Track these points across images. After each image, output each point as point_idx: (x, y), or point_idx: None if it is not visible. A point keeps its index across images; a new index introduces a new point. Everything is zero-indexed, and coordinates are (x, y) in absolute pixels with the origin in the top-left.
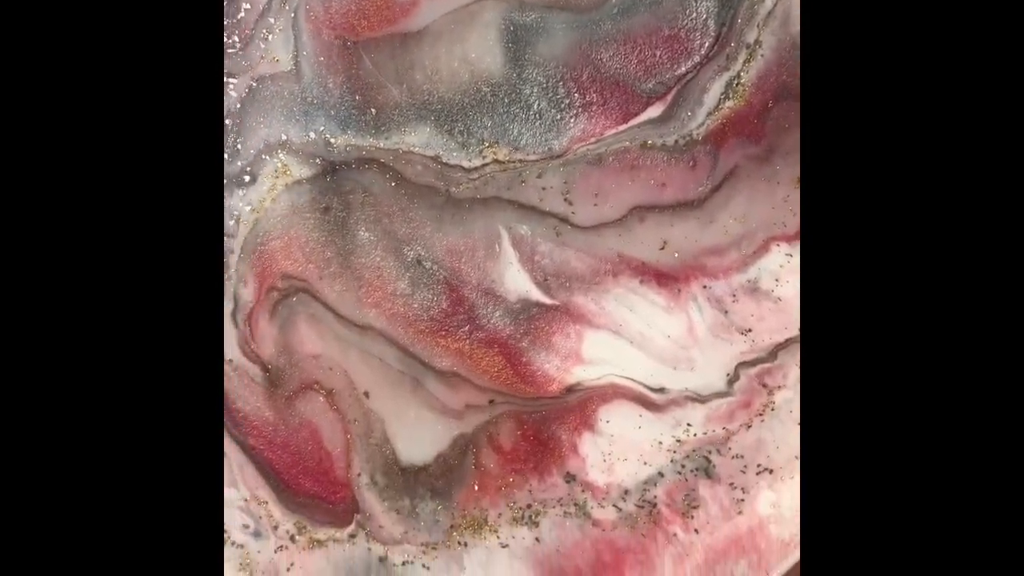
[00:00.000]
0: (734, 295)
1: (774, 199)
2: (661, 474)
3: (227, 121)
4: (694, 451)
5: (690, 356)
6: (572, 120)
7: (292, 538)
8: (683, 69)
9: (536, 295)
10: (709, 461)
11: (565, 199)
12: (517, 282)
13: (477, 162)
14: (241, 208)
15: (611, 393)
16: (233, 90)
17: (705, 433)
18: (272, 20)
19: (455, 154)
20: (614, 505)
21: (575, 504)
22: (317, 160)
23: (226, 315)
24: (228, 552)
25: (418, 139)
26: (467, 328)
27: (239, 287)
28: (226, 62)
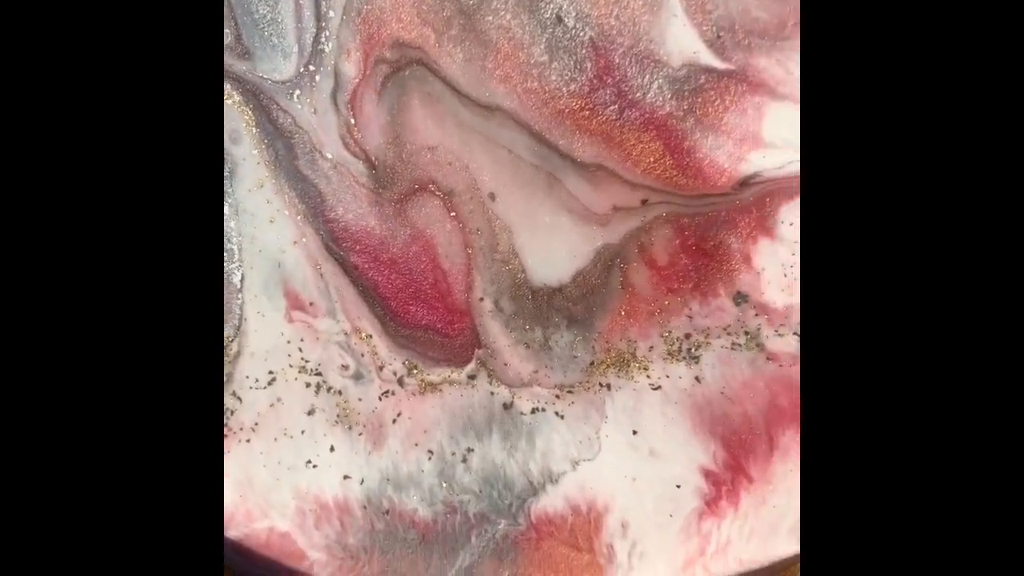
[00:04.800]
0: None
1: None
2: None
3: None
4: None
5: None
6: None
7: (400, 381)
8: None
9: (706, 58)
10: None
11: None
12: (682, 41)
13: None
14: None
15: (797, 187)
16: None
17: None
18: None
19: None
20: (795, 333)
21: (746, 333)
22: None
23: (325, 96)
24: (322, 400)
25: None
26: (616, 105)
27: (340, 60)
28: None
